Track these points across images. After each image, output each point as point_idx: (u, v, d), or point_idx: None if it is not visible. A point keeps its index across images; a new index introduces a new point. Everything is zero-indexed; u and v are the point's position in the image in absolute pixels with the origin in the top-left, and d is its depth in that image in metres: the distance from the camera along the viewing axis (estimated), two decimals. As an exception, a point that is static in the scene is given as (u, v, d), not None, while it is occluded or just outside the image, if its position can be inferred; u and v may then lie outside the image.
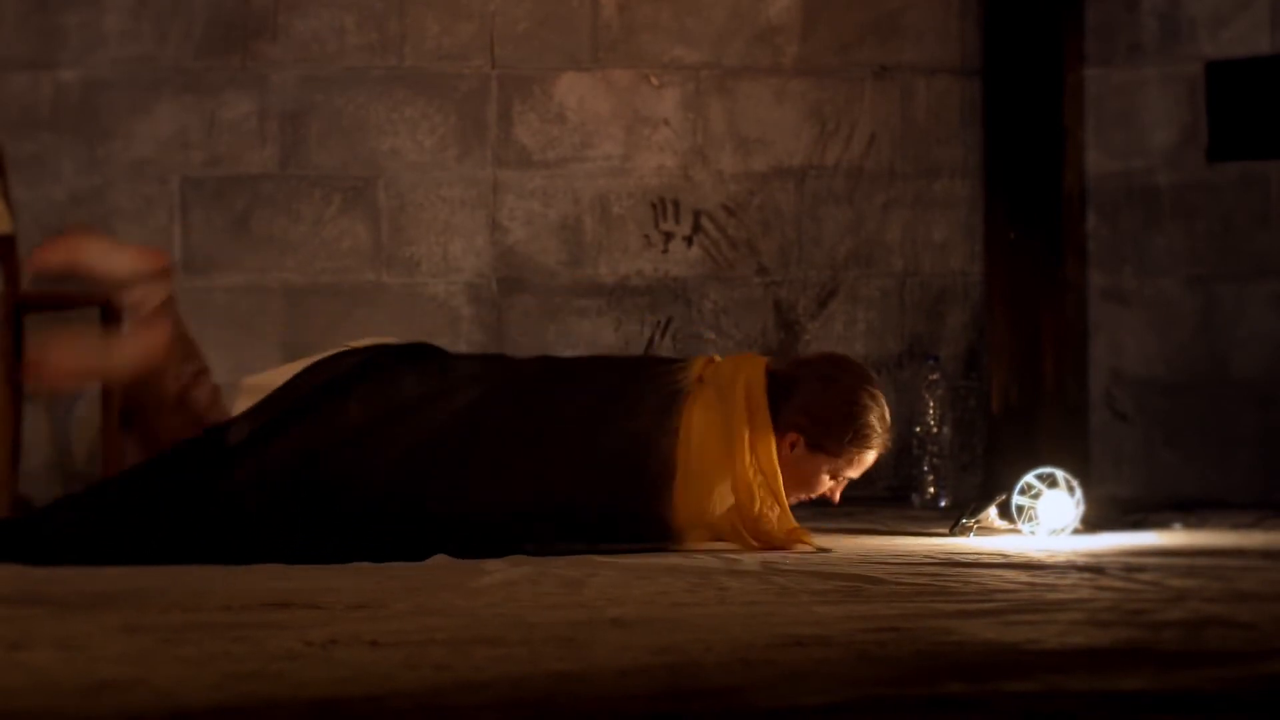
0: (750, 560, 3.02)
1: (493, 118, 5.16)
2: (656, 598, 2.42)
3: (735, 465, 3.34)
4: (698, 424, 3.36)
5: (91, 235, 3.50)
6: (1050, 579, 2.67)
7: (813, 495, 3.51)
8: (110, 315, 4.68)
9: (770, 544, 3.33)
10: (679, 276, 5.16)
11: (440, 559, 3.05)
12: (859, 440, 3.46)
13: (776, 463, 3.37)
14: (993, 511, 3.70)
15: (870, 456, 3.50)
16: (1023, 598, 2.40)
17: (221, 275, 5.12)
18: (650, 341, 5.14)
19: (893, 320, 5.18)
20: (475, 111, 5.16)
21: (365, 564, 2.98)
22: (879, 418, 3.48)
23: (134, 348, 3.55)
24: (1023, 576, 2.70)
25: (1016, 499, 3.56)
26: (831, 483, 3.50)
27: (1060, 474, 3.56)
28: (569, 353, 5.04)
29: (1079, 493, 3.54)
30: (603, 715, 1.56)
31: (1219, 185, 4.93)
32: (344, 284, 5.13)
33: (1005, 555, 3.11)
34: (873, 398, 3.48)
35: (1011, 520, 3.59)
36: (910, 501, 4.84)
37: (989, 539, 3.54)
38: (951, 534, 3.64)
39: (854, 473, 3.51)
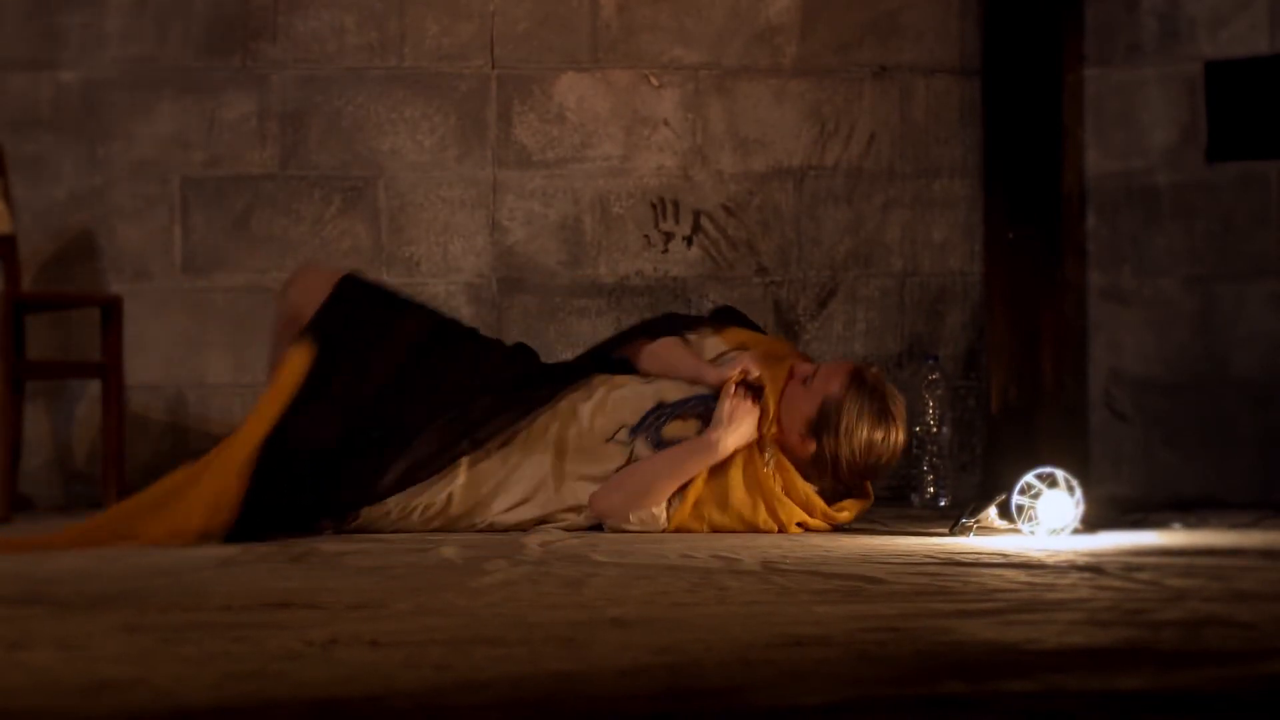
0: (750, 560, 3.02)
1: (493, 118, 5.17)
2: (656, 598, 2.42)
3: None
4: None
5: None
6: (1050, 579, 2.67)
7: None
8: (110, 315, 4.69)
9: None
10: (679, 276, 5.16)
11: (443, 558, 3.07)
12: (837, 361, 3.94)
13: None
14: (993, 511, 3.70)
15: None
16: (1022, 597, 2.40)
17: (221, 275, 5.12)
18: (650, 341, 5.14)
19: (892, 320, 5.18)
20: (475, 111, 5.16)
21: (369, 562, 3.00)
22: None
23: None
24: (1022, 576, 2.70)
25: (1016, 499, 3.56)
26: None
27: (1060, 474, 3.56)
28: (568, 353, 5.04)
29: (1078, 492, 3.54)
30: (603, 715, 1.56)
31: (1218, 185, 4.93)
32: (344, 284, 5.12)
33: (1005, 555, 3.11)
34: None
35: (1011, 520, 3.59)
36: (910, 501, 4.84)
37: (989, 539, 3.54)
38: (951, 534, 3.64)
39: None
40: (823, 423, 3.77)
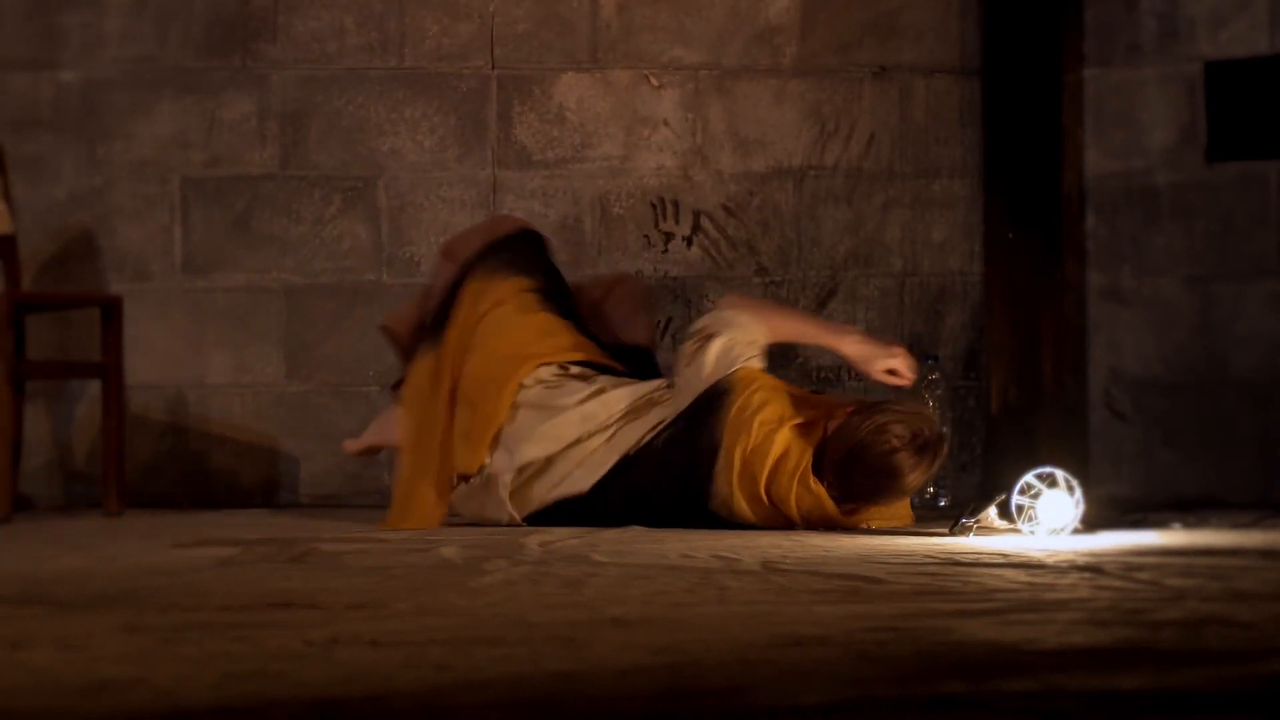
0: (750, 560, 3.02)
1: (493, 118, 5.17)
2: (656, 598, 2.42)
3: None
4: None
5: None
6: (1050, 579, 2.67)
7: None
8: (110, 316, 4.69)
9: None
10: (679, 276, 5.16)
11: (443, 558, 3.08)
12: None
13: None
14: (993, 511, 3.70)
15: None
16: (1022, 597, 2.40)
17: (221, 275, 5.12)
18: (650, 341, 5.14)
19: (892, 320, 5.18)
20: (475, 111, 5.16)
21: (371, 564, 3.00)
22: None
23: None
24: (1023, 576, 2.70)
25: (1016, 499, 3.56)
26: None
27: (1060, 474, 3.56)
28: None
29: (1078, 492, 3.55)
30: (603, 715, 1.56)
31: (1218, 185, 4.93)
32: (344, 284, 5.13)
33: (1005, 555, 3.11)
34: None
35: (1011, 520, 3.59)
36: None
37: (989, 539, 3.54)
38: (951, 534, 3.65)
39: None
40: (875, 404, 3.85)
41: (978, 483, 5.03)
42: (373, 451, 4.55)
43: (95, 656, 1.87)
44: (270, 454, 5.10)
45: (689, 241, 5.17)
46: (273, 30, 5.14)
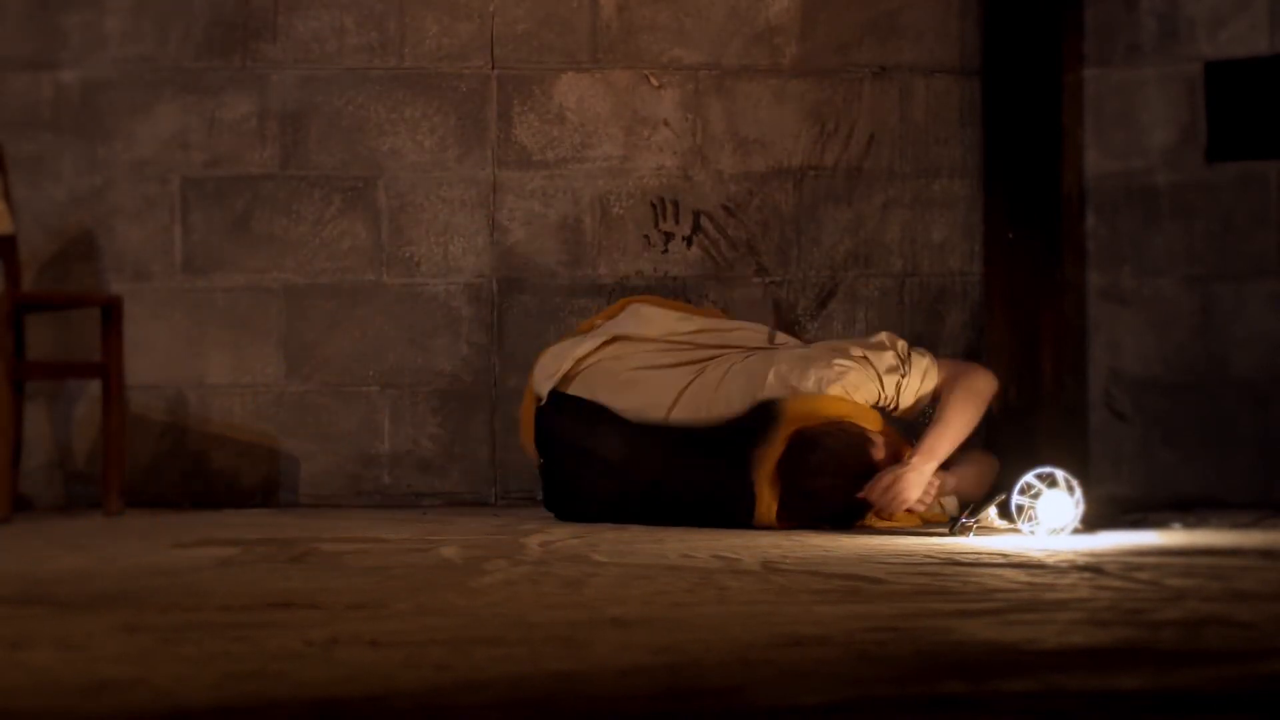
0: (750, 560, 3.02)
1: (493, 118, 5.17)
2: (656, 598, 2.42)
3: None
4: None
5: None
6: (1050, 579, 2.67)
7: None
8: (110, 316, 4.69)
9: None
10: (679, 276, 5.16)
11: (443, 558, 3.08)
12: None
13: None
14: (993, 511, 3.71)
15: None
16: (1022, 597, 2.40)
17: (221, 275, 5.12)
18: (650, 341, 5.13)
19: (892, 320, 5.18)
20: (475, 111, 5.16)
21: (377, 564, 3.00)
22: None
23: None
24: (1022, 576, 2.70)
25: (1016, 499, 3.57)
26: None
27: (1060, 474, 3.56)
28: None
29: (1078, 492, 3.55)
30: (603, 715, 1.56)
31: (1218, 185, 4.93)
32: (344, 284, 5.13)
33: (1005, 555, 3.12)
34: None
35: (1011, 520, 3.60)
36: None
37: (989, 539, 3.54)
38: (951, 534, 3.65)
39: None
40: (864, 432, 3.97)
41: (978, 483, 5.03)
42: None
43: (95, 656, 1.87)
44: (270, 454, 5.10)
45: (689, 241, 5.17)
46: (273, 30, 5.14)
